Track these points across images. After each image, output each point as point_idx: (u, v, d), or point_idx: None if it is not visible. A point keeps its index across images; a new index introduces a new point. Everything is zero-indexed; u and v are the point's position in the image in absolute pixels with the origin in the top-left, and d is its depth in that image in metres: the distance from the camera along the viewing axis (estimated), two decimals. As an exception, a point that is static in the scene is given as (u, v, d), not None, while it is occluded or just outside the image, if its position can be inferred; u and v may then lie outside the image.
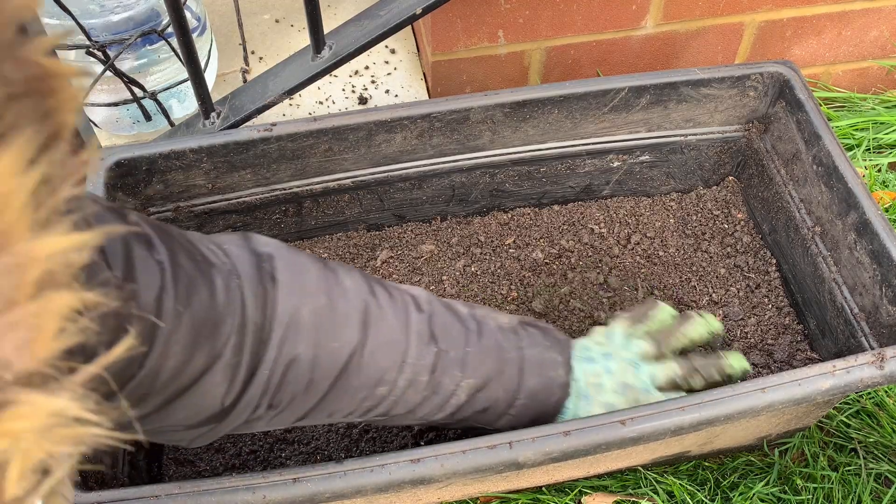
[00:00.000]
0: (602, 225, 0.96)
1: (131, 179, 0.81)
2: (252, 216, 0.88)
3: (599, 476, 0.83)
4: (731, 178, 0.98)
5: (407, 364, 0.63)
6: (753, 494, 0.81)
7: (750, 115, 0.92)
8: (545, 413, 0.70)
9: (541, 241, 0.94)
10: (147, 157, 0.80)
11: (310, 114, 1.08)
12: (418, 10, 0.87)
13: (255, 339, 0.56)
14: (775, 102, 0.89)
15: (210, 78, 1.04)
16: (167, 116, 0.99)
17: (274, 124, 0.81)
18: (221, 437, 0.63)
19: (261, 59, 1.14)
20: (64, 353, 0.28)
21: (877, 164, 1.09)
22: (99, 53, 0.90)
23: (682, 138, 0.93)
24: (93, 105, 0.99)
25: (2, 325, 0.27)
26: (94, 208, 0.46)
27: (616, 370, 0.71)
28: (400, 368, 0.62)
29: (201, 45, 1.01)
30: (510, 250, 0.94)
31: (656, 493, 0.82)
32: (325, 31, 0.87)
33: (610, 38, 1.07)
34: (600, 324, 0.87)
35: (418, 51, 1.16)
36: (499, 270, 0.92)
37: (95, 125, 1.01)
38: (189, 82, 0.86)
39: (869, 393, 0.89)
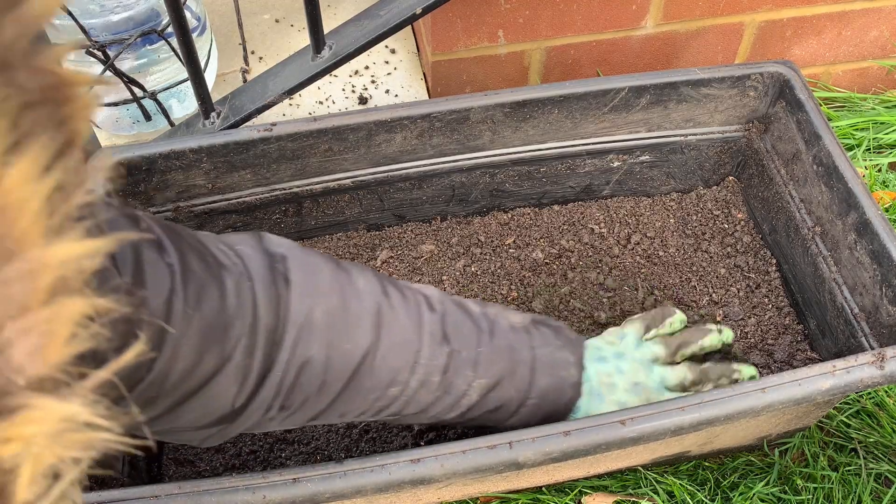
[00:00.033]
0: (602, 225, 0.96)
1: (131, 179, 0.81)
2: (252, 216, 0.88)
3: (599, 476, 0.83)
4: (731, 178, 0.98)
5: (419, 364, 0.63)
6: (753, 494, 0.81)
7: (750, 115, 0.92)
8: (556, 412, 0.70)
9: (541, 241, 0.94)
10: (147, 157, 0.80)
11: (310, 114, 1.08)
12: (418, 10, 0.87)
13: (267, 341, 0.56)
14: (775, 102, 0.89)
15: (210, 78, 1.04)
16: (167, 116, 0.99)
17: (274, 124, 0.81)
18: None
19: (261, 59, 1.14)
20: (75, 359, 0.29)
21: (877, 164, 1.09)
22: (99, 53, 0.90)
23: (682, 138, 0.93)
24: (93, 105, 0.98)
25: (15, 330, 0.27)
26: (107, 215, 0.47)
27: (628, 370, 0.72)
28: (412, 369, 0.63)
29: (201, 45, 1.01)
30: (510, 250, 0.94)
31: (656, 493, 0.82)
32: (325, 31, 0.87)
33: (610, 38, 1.07)
34: (601, 324, 0.87)
35: (418, 51, 1.16)
36: (499, 270, 0.92)
37: (95, 125, 1.01)
38: (189, 82, 0.86)
39: (869, 393, 0.89)
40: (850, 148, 1.12)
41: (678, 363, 0.75)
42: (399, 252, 0.93)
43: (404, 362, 0.62)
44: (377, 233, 0.95)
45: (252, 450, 0.80)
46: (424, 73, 1.12)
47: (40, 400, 0.27)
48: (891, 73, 1.20)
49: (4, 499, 0.27)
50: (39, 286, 0.27)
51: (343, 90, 1.11)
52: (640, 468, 0.83)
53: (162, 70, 0.99)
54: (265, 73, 0.91)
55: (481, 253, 0.93)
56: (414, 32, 1.18)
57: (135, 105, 0.98)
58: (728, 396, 0.64)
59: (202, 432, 0.58)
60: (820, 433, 0.87)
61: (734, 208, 0.97)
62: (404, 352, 0.62)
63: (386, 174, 0.88)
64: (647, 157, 0.94)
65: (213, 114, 0.89)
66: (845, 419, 0.87)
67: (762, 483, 0.82)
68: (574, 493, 0.82)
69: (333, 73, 1.01)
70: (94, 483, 0.64)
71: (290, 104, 1.09)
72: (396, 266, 0.92)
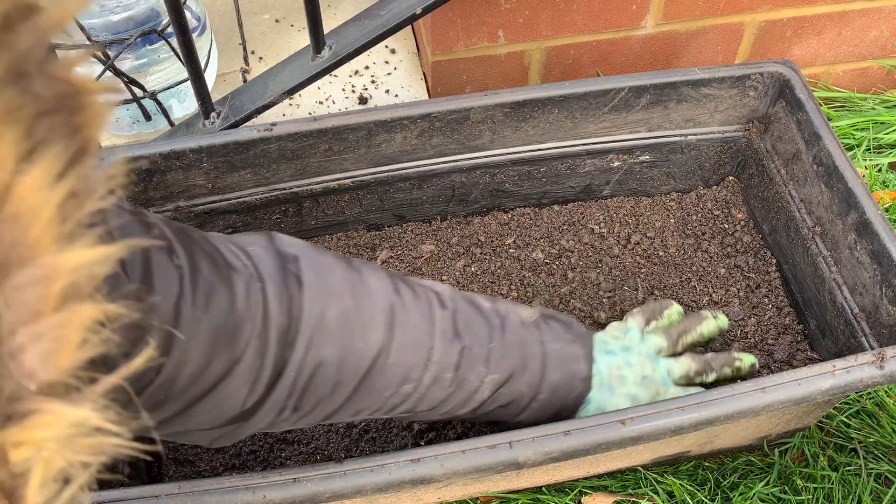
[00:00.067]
0: (602, 225, 0.96)
1: (131, 179, 0.81)
2: (252, 216, 0.88)
3: (599, 476, 0.83)
4: (731, 178, 0.98)
5: (432, 362, 0.63)
6: (753, 494, 0.81)
7: (750, 115, 0.92)
8: (566, 407, 0.70)
9: (541, 241, 0.94)
10: (147, 157, 0.80)
11: (310, 114, 1.08)
12: (418, 10, 0.87)
13: (279, 342, 0.56)
14: (775, 102, 0.89)
15: (210, 78, 1.04)
16: (167, 116, 0.99)
17: (274, 124, 0.81)
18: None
19: (261, 59, 1.14)
20: (86, 364, 0.29)
21: (877, 164, 1.09)
22: (99, 53, 0.90)
23: (682, 138, 0.93)
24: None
25: (27, 335, 0.27)
26: (118, 221, 0.47)
27: (636, 363, 0.73)
28: (425, 366, 0.63)
29: (201, 45, 1.01)
30: (510, 250, 0.94)
31: (656, 493, 0.82)
32: (325, 31, 0.87)
33: (610, 38, 1.07)
34: (601, 324, 0.87)
35: (418, 51, 1.16)
36: (499, 270, 0.92)
37: (95, 125, 1.01)
38: (189, 82, 0.86)
39: (869, 393, 0.89)
40: (850, 148, 1.12)
41: (680, 354, 0.77)
42: (399, 252, 0.93)
43: (417, 360, 0.62)
44: (377, 233, 0.95)
45: (252, 450, 0.80)
46: (424, 73, 1.12)
47: (51, 405, 0.28)
48: (891, 73, 1.20)
49: (15, 502, 0.28)
50: (52, 292, 0.28)
51: (343, 90, 1.11)
52: (640, 468, 0.83)
53: (162, 70, 0.99)
54: (265, 73, 0.91)
55: (481, 253, 0.93)
56: (414, 32, 1.18)
57: (135, 105, 0.98)
58: (728, 396, 0.64)
59: (213, 432, 0.58)
60: (820, 433, 0.87)
61: (734, 208, 0.97)
62: (417, 350, 0.62)
63: (386, 174, 0.88)
64: (647, 157, 0.94)
65: (213, 114, 0.89)
66: (845, 419, 0.87)
67: (762, 483, 0.82)
68: (574, 493, 0.82)
69: (333, 73, 1.01)
70: (94, 483, 0.64)
71: (290, 104, 1.09)
72: (396, 266, 0.92)
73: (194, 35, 0.89)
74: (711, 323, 0.79)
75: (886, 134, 1.12)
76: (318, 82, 0.99)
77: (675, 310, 0.79)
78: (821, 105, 0.95)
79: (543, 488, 0.82)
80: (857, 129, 1.14)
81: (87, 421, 0.28)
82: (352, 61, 0.91)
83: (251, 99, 0.89)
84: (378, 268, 0.65)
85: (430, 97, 1.11)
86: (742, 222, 0.96)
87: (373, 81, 1.12)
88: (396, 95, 1.11)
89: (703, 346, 0.83)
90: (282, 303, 0.56)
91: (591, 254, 0.93)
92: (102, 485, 0.65)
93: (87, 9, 0.90)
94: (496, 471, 0.62)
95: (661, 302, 0.80)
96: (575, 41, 1.07)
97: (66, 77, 0.29)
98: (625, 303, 0.89)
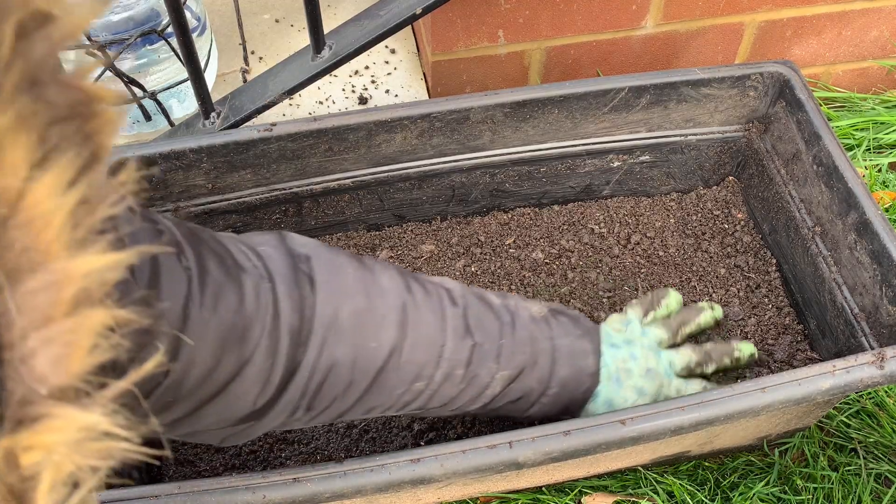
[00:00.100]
0: (602, 225, 0.96)
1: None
2: (252, 216, 0.88)
3: (599, 476, 0.83)
4: (731, 178, 0.98)
5: (444, 359, 0.63)
6: (753, 494, 0.81)
7: (750, 115, 0.92)
8: (575, 401, 0.71)
9: (541, 241, 0.94)
10: (147, 158, 0.80)
11: (310, 114, 1.08)
12: (418, 10, 0.87)
13: (291, 343, 0.56)
14: (775, 102, 0.89)
15: (210, 78, 1.04)
16: (167, 116, 0.99)
17: (274, 124, 0.81)
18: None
19: (261, 59, 1.14)
20: (96, 369, 0.29)
21: (877, 164, 1.09)
22: (99, 53, 0.90)
23: (682, 138, 0.93)
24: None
25: (38, 340, 0.28)
26: (129, 227, 0.47)
27: (640, 356, 0.73)
28: (437, 364, 0.63)
29: (201, 45, 1.01)
30: (510, 250, 0.94)
31: (656, 493, 0.82)
32: (325, 31, 0.87)
33: (610, 38, 1.07)
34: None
35: (418, 51, 1.16)
36: (499, 270, 0.92)
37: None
38: (189, 82, 0.86)
39: (869, 393, 0.89)
40: (850, 148, 1.12)
41: (679, 344, 0.79)
42: (399, 252, 0.93)
43: (429, 358, 0.63)
44: (377, 233, 0.95)
45: (252, 450, 0.80)
46: (424, 73, 1.12)
47: (61, 409, 0.28)
48: (891, 73, 1.20)
49: None
50: (63, 297, 0.28)
51: (343, 90, 1.11)
52: (640, 468, 0.83)
53: (162, 70, 0.99)
54: (265, 73, 0.91)
55: (481, 253, 0.93)
56: (414, 32, 1.18)
57: (135, 105, 0.98)
58: (728, 396, 0.64)
59: (224, 431, 0.58)
60: (820, 433, 0.87)
61: (734, 208, 0.97)
62: (429, 347, 0.63)
63: (386, 174, 0.88)
64: (647, 157, 0.94)
65: (213, 114, 0.89)
66: (845, 419, 0.87)
67: (762, 483, 0.82)
68: (574, 493, 0.82)
69: (333, 73, 1.01)
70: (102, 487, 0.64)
71: (290, 104, 1.09)
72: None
73: (194, 35, 0.89)
74: (708, 314, 0.81)
75: (886, 134, 1.12)
76: (318, 82, 0.99)
77: (672, 297, 0.81)
78: (821, 105, 0.95)
79: (543, 488, 0.82)
80: (857, 129, 1.14)
81: (97, 425, 0.29)
82: (352, 61, 0.91)
83: (251, 99, 0.89)
84: (389, 265, 0.65)
85: (430, 97, 1.11)
86: (742, 222, 0.96)
87: (373, 81, 1.12)
88: (396, 95, 1.11)
89: (701, 336, 0.85)
90: (293, 303, 0.56)
91: (591, 254, 0.93)
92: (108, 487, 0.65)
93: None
94: (496, 471, 0.62)
95: (658, 292, 0.82)
96: (575, 41, 1.07)
97: (78, 85, 0.29)
98: (625, 303, 0.89)
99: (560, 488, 0.82)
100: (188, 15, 0.92)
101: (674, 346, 0.79)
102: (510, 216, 0.96)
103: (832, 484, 0.83)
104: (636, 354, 0.73)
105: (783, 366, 0.85)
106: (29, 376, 0.28)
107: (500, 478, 0.76)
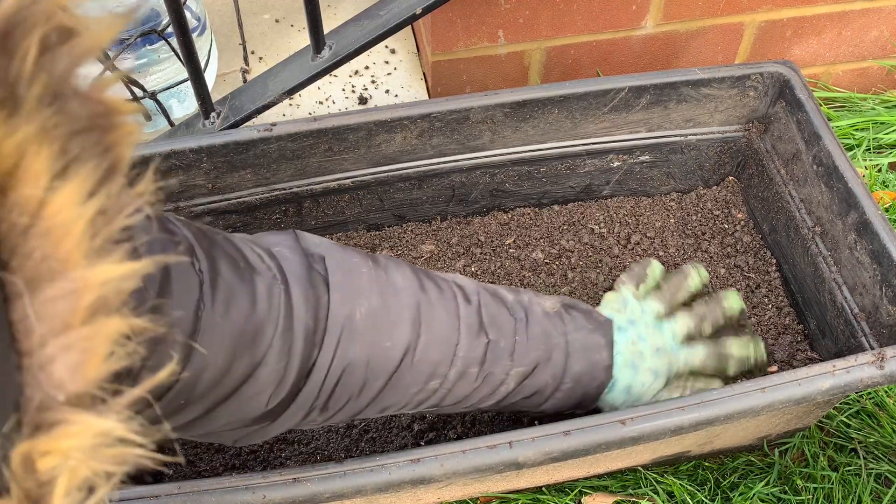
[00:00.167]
0: (602, 225, 0.96)
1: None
2: (252, 216, 0.88)
3: (599, 476, 0.83)
4: (731, 178, 0.98)
5: (458, 357, 0.63)
6: (753, 494, 0.81)
7: (750, 115, 0.92)
8: (588, 395, 0.71)
9: (541, 241, 0.94)
10: (147, 158, 0.80)
11: (310, 114, 1.08)
12: (418, 10, 0.87)
13: (305, 343, 0.56)
14: (775, 102, 0.89)
15: (210, 78, 1.04)
16: (167, 116, 0.99)
17: (274, 124, 0.81)
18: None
19: (261, 59, 1.14)
20: (112, 376, 0.30)
21: (877, 164, 1.09)
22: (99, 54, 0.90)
23: (682, 138, 0.93)
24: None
25: (56, 347, 0.28)
26: (145, 237, 0.47)
27: (646, 335, 0.73)
28: (451, 362, 0.63)
29: (201, 45, 1.01)
30: (510, 250, 0.94)
31: (656, 493, 0.82)
32: (325, 31, 0.87)
33: (610, 38, 1.07)
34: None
35: (418, 51, 1.16)
36: (499, 270, 0.92)
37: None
38: (189, 82, 0.86)
39: (869, 393, 0.89)
40: (850, 148, 1.12)
41: (677, 313, 0.77)
42: (399, 252, 0.93)
43: (443, 356, 0.63)
44: (377, 233, 0.95)
45: (252, 450, 0.80)
46: (424, 73, 1.12)
47: (78, 415, 0.29)
48: (891, 73, 1.20)
49: None
50: (81, 305, 0.28)
51: (343, 90, 1.11)
52: (640, 468, 0.83)
53: (162, 70, 0.99)
54: (265, 73, 0.91)
55: (481, 253, 0.93)
56: (414, 32, 1.18)
57: (135, 105, 0.98)
58: (728, 396, 0.64)
59: (238, 432, 0.58)
60: (820, 433, 0.87)
61: (734, 208, 0.97)
62: (443, 346, 0.63)
63: (386, 174, 0.88)
64: (647, 157, 0.94)
65: (213, 114, 0.89)
66: (845, 419, 0.87)
67: (762, 483, 0.82)
68: (574, 493, 0.82)
69: (333, 73, 1.01)
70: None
71: (290, 104, 1.09)
72: (396, 266, 0.92)
73: (194, 35, 0.89)
74: (696, 278, 0.80)
75: (886, 134, 1.12)
76: (318, 82, 0.99)
77: (655, 266, 0.80)
78: (821, 105, 0.95)
79: (543, 488, 0.82)
80: (857, 129, 1.14)
81: (113, 431, 0.29)
82: (352, 61, 0.91)
83: (251, 99, 0.89)
84: (402, 264, 0.65)
85: (430, 97, 1.11)
86: (742, 222, 0.96)
87: (373, 81, 1.12)
88: (396, 95, 1.11)
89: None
90: (308, 304, 0.56)
91: (591, 254, 0.93)
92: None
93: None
94: (496, 471, 0.62)
95: (641, 262, 0.81)
96: (575, 41, 1.07)
97: (99, 97, 0.30)
98: (625, 303, 0.89)
99: (560, 488, 0.82)
100: (188, 15, 0.92)
101: (668, 314, 0.78)
102: (510, 216, 0.96)
103: (832, 484, 0.83)
104: (643, 334, 0.73)
105: (783, 366, 0.85)
106: (47, 382, 0.28)
107: (500, 478, 0.76)
